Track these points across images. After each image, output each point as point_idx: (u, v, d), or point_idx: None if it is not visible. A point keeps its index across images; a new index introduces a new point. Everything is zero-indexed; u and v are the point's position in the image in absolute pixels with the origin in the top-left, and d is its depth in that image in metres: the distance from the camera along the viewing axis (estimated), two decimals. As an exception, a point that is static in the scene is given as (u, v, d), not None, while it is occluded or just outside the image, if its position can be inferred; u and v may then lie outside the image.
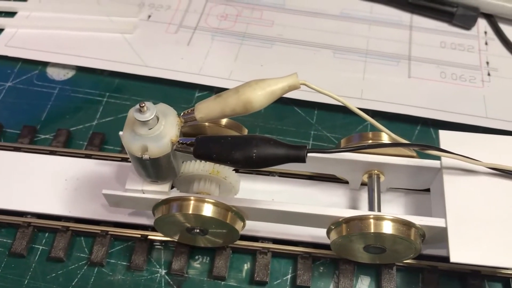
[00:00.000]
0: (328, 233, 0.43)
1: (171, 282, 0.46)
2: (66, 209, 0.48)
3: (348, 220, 0.41)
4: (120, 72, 0.60)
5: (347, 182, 0.49)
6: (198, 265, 0.47)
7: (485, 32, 0.64)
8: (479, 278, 0.45)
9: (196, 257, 0.48)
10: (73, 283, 0.46)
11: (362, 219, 0.40)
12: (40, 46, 0.62)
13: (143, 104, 0.35)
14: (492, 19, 0.65)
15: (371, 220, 0.40)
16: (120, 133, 0.43)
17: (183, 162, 0.43)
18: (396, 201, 0.48)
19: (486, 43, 0.63)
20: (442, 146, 0.42)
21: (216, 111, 0.37)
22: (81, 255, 0.48)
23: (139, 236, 0.47)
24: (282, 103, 0.58)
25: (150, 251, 0.48)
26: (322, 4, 0.67)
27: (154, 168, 0.39)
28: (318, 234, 0.45)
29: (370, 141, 0.43)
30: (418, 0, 0.65)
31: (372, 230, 0.39)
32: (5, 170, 0.51)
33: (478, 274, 0.45)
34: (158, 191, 0.41)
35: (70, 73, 0.61)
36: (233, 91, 0.36)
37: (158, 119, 0.36)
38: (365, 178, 0.45)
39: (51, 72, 0.62)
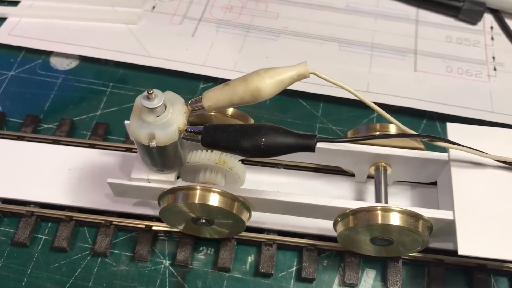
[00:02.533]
0: (334, 225, 0.42)
1: (175, 273, 0.46)
2: (70, 199, 0.48)
3: (355, 212, 0.40)
4: (124, 62, 0.59)
5: (353, 175, 0.48)
6: (203, 257, 0.47)
7: (491, 27, 0.64)
8: (485, 272, 0.45)
9: (201, 249, 0.47)
10: (76, 273, 0.46)
11: (370, 210, 0.40)
12: (44, 35, 0.62)
13: (151, 91, 0.35)
14: (498, 14, 0.65)
15: (379, 212, 0.39)
16: (126, 122, 0.43)
17: (189, 152, 0.42)
18: (402, 194, 0.48)
19: (492, 38, 0.63)
20: (450, 139, 0.41)
21: (224, 100, 0.36)
22: (85, 245, 0.48)
23: (143, 226, 0.47)
24: (287, 95, 0.57)
25: (154, 242, 0.47)
26: (328, -4, 0.66)
27: (161, 157, 0.38)
28: (324, 226, 0.45)
29: (378, 133, 0.43)
30: (424, -6, 0.64)
31: (379, 222, 0.39)
32: (8, 159, 0.50)
33: (484, 268, 0.45)
34: (164, 180, 0.41)
35: (73, 63, 0.61)
36: (241, 80, 0.36)
37: (165, 107, 0.36)
38: (371, 171, 0.45)
39: (55, 62, 0.61)
